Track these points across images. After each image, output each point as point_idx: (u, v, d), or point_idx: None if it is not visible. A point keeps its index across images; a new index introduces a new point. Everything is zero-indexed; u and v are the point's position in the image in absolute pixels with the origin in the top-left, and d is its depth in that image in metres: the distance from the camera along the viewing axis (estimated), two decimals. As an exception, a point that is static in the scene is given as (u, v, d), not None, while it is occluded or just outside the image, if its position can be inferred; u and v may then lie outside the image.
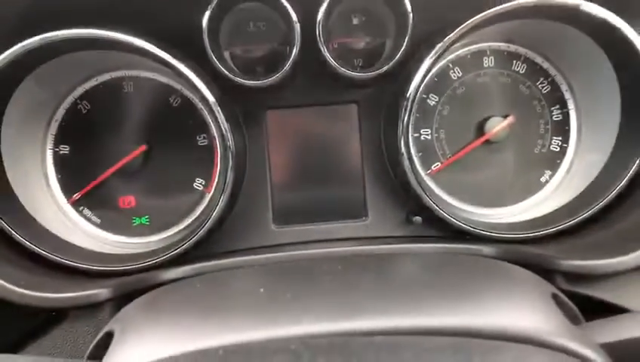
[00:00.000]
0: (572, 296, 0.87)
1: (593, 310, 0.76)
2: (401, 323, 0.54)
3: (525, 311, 0.59)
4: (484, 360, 0.48)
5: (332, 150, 1.10)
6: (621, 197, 0.96)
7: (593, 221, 0.97)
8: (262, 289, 0.67)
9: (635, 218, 0.92)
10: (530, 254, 0.91)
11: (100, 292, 0.87)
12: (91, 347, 0.70)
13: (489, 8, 0.90)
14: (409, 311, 0.57)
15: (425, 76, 0.95)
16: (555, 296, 0.66)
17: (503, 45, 1.09)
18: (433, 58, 0.93)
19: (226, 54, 1.05)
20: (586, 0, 0.90)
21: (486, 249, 0.94)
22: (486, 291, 0.64)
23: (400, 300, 0.61)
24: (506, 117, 1.07)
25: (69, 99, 1.06)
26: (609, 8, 0.91)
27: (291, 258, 0.97)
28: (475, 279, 0.70)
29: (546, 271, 0.87)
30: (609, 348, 0.60)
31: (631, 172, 0.94)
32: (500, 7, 0.90)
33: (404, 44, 0.95)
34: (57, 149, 1.06)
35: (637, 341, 0.61)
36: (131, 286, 0.91)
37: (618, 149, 0.99)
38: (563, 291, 0.86)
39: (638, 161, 0.94)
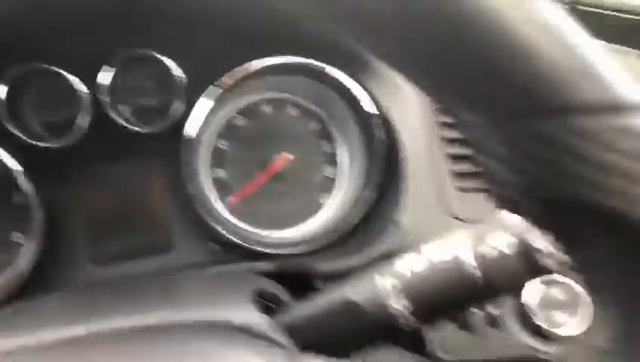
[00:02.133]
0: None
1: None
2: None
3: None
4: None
5: (139, 196, 1.25)
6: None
7: (348, 235, 1.21)
8: None
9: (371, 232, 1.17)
10: (296, 263, 1.11)
11: None
12: None
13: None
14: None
15: (204, 123, 1.15)
16: (259, 291, 0.83)
17: (276, 95, 1.32)
18: (207, 109, 1.14)
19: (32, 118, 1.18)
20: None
21: (263, 265, 1.13)
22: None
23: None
24: (285, 154, 1.29)
25: None
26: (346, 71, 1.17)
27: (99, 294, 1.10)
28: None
29: (306, 275, 1.07)
30: (304, 323, 0.78)
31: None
32: (249, 64, 1.13)
33: (174, 102, 1.15)
34: None
35: (316, 316, 0.79)
36: None
37: (367, 182, 1.25)
38: None
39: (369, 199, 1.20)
